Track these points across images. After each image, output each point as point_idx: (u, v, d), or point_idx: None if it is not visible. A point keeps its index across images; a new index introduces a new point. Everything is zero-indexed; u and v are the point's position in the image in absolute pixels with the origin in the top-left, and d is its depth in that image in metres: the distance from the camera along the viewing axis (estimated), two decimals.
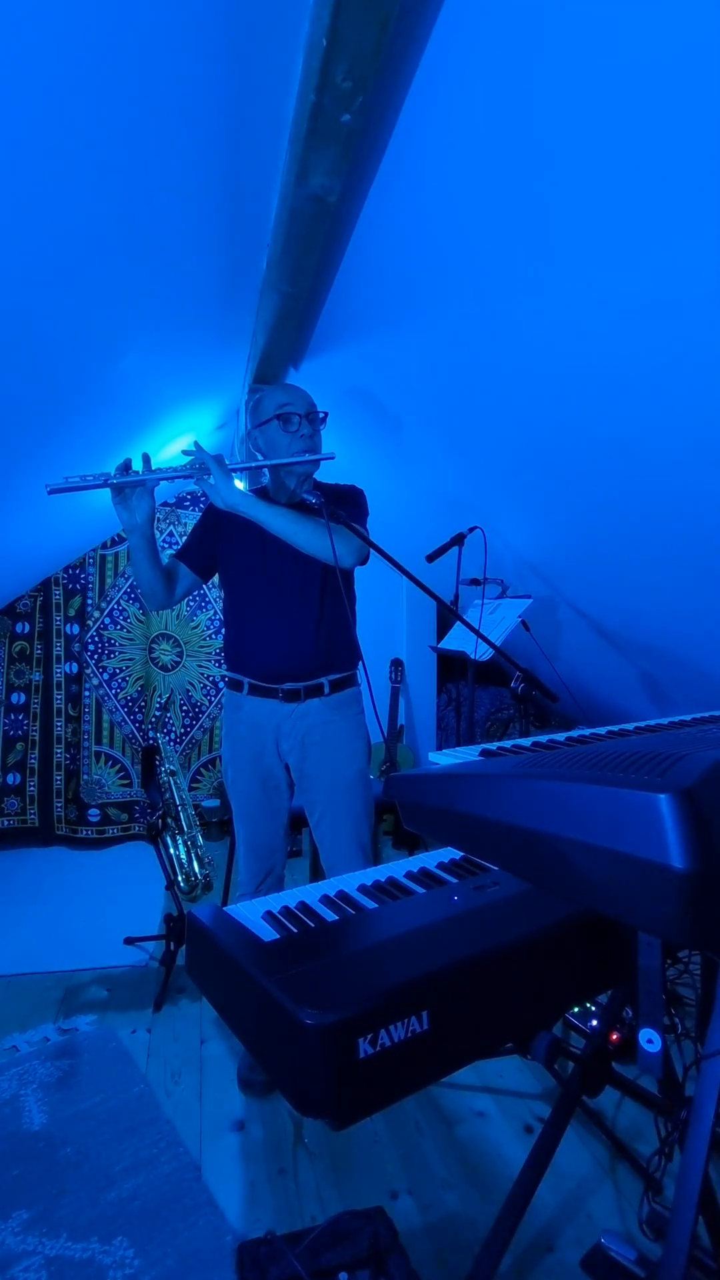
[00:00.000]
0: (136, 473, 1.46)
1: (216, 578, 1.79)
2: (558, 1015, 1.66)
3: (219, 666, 3.78)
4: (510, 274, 1.43)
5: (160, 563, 1.63)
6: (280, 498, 1.67)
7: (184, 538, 2.57)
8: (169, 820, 3.05)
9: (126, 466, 1.46)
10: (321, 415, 1.65)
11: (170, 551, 2.42)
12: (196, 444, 1.50)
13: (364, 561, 1.59)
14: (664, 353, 1.37)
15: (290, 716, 1.65)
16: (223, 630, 1.77)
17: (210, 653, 3.79)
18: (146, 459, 1.49)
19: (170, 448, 2.96)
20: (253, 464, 1.62)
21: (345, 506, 1.61)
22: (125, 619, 3.59)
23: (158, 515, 3.12)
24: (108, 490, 1.46)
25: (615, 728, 1.14)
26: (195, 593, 3.70)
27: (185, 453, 1.48)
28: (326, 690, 1.65)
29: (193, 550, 1.73)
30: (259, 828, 1.72)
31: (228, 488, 1.46)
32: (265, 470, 1.68)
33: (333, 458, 1.56)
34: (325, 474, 1.75)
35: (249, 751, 1.69)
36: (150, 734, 3.57)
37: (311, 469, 1.64)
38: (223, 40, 1.04)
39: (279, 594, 1.63)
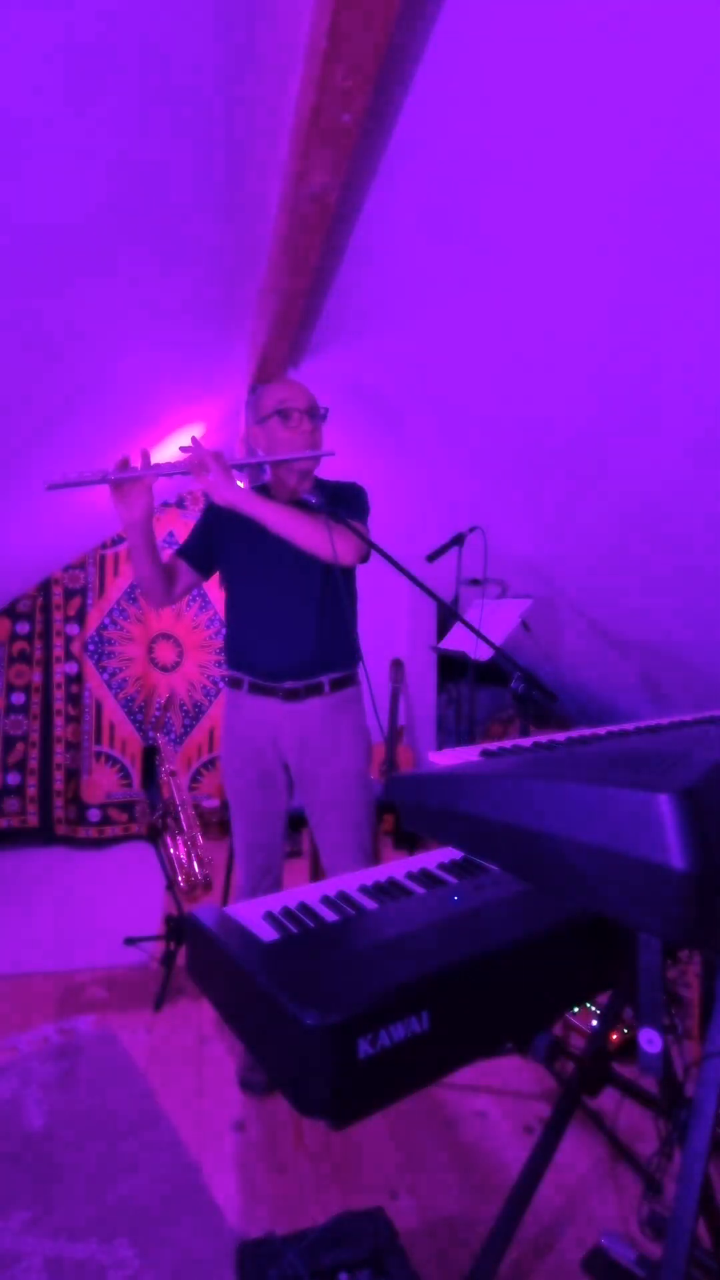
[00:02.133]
0: (135, 469, 1.45)
1: (218, 576, 1.79)
2: (558, 1015, 1.66)
3: (219, 666, 3.78)
4: (511, 273, 1.43)
5: (159, 560, 1.62)
6: (281, 495, 1.66)
7: (183, 536, 2.57)
8: (169, 820, 3.04)
9: (125, 463, 1.45)
10: (323, 411, 1.63)
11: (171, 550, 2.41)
12: (195, 440, 1.49)
13: (365, 559, 1.58)
14: (666, 353, 1.37)
15: (290, 716, 1.64)
16: (223, 629, 1.77)
17: (210, 653, 3.79)
18: (145, 455, 1.48)
19: (170, 446, 2.96)
20: (252, 460, 1.61)
21: (346, 504, 1.61)
22: (125, 619, 3.58)
23: (157, 514, 3.12)
24: (107, 488, 1.46)
25: (615, 728, 1.14)
26: (195, 592, 3.70)
27: (183, 449, 1.47)
28: (326, 689, 1.64)
29: (193, 548, 1.72)
30: (257, 829, 1.72)
31: (227, 484, 1.44)
32: (266, 467, 1.67)
33: (333, 454, 1.56)
34: (327, 472, 1.75)
35: (248, 751, 1.68)
36: (150, 734, 3.57)
37: (312, 465, 1.63)
38: (223, 40, 1.04)
39: (279, 592, 1.63)
